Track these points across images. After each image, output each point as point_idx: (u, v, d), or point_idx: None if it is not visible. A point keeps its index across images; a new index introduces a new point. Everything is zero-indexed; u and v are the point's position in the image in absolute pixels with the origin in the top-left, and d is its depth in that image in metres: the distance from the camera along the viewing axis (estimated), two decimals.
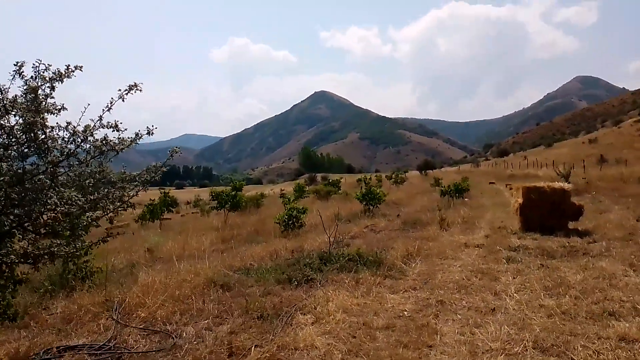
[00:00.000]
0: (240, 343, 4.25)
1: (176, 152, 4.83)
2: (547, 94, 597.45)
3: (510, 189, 26.06)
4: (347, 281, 6.25)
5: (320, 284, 6.26)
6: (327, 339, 4.34)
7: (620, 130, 70.00)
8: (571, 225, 10.21)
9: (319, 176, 78.18)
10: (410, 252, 8.10)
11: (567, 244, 8.36)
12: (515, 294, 5.43)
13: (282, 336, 4.45)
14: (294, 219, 11.70)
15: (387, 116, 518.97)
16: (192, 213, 29.34)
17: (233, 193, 16.65)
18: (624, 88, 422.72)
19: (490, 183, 35.74)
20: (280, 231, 11.78)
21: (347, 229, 12.12)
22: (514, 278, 6.26)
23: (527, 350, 3.77)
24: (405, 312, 5.05)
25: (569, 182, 17.83)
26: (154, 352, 4.20)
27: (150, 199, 22.11)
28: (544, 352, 3.73)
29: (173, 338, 4.50)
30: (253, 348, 4.15)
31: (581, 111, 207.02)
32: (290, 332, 4.58)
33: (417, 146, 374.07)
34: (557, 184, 10.27)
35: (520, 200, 10.24)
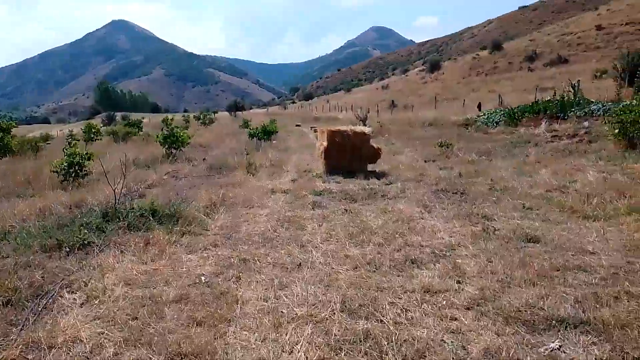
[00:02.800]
0: None
1: None
2: (347, 41, 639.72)
3: (315, 131, 27.10)
4: (134, 243, 5.24)
5: (99, 248, 5.13)
6: (99, 325, 3.40)
7: (408, 78, 78.49)
8: (370, 167, 10.66)
9: (118, 115, 71.15)
10: (214, 202, 7.36)
11: (367, 187, 8.58)
12: (321, 244, 5.16)
13: (34, 329, 3.35)
14: (77, 167, 9.86)
15: (195, 53, 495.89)
16: None
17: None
18: (411, 40, 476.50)
19: (296, 125, 36.80)
20: (60, 182, 9.86)
21: (145, 176, 10.78)
22: (319, 226, 6.03)
23: (334, 313, 3.43)
24: (203, 277, 4.34)
25: (367, 125, 19.03)
26: None
27: None
28: (352, 314, 3.42)
29: None
30: None
31: (375, 59, 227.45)
32: (48, 321, 3.50)
33: (227, 86, 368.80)
34: (359, 128, 10.54)
35: (325, 143, 10.23)
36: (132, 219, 6.04)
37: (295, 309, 3.56)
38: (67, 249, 5.12)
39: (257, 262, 4.69)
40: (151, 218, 6.17)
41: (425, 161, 11.84)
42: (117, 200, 6.53)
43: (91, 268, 4.56)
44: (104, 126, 44.02)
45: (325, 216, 6.55)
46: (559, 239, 4.98)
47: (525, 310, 3.36)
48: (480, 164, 10.70)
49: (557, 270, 4.10)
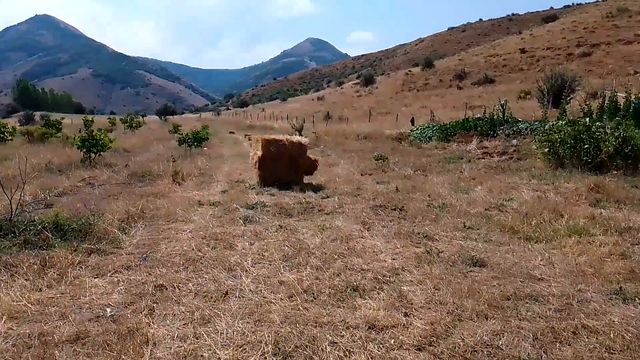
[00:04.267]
0: None
1: None
2: (284, 51, 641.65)
3: (250, 139, 26.36)
4: (29, 264, 4.40)
5: None
6: None
7: (343, 91, 79.41)
8: (306, 179, 10.20)
9: (37, 115, 66.15)
10: (131, 215, 6.56)
11: (303, 200, 8.09)
12: (252, 268, 4.58)
13: None
14: None
15: (125, 54, 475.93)
16: None
17: None
18: (346, 54, 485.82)
19: (230, 132, 35.85)
20: None
21: (56, 182, 9.66)
22: (251, 244, 5.44)
23: (266, 358, 2.86)
24: (108, 309, 3.63)
25: (303, 135, 18.62)
26: None
27: None
28: (286, 359, 2.88)
29: None
30: None
31: (311, 71, 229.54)
32: None
33: (158, 89, 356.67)
34: (296, 138, 10.05)
35: (259, 153, 9.65)
36: (31, 235, 5.15)
37: (218, 351, 2.96)
38: None
39: (176, 290, 4.03)
40: (54, 233, 5.31)
41: (361, 174, 11.56)
42: (13, 212, 5.59)
43: None
44: (20, 125, 40.65)
45: (258, 233, 5.97)
46: (505, 263, 4.73)
47: (482, 350, 2.98)
48: (416, 179, 10.55)
49: (508, 300, 3.79)
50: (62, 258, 4.62)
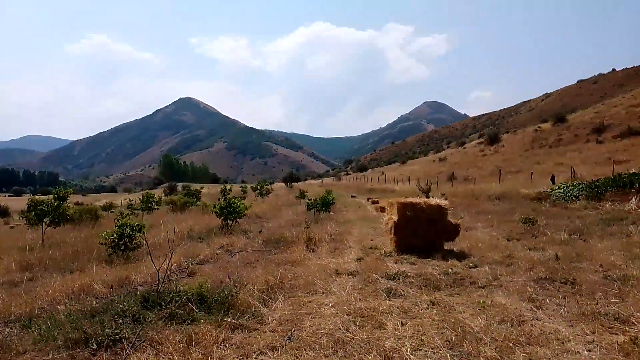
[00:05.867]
0: None
1: None
2: (401, 115, 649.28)
3: (374, 203, 26.00)
4: (174, 342, 4.20)
5: (131, 347, 4.12)
6: None
7: (465, 150, 76.86)
8: (446, 246, 9.35)
9: (180, 185, 73.36)
10: (271, 285, 6.30)
11: (449, 270, 7.27)
12: (413, 357, 3.90)
13: None
14: (127, 239, 9.19)
15: (255, 127, 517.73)
16: (14, 226, 24.42)
17: (55, 203, 13.30)
18: (465, 114, 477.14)
19: (352, 196, 35.98)
20: (108, 254, 9.18)
21: (197, 249, 9.97)
22: (403, 324, 4.78)
23: None
24: None
25: (431, 197, 17.76)
26: None
27: None
28: None
29: None
30: None
31: (430, 133, 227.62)
32: None
33: (283, 158, 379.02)
34: (434, 201, 9.34)
35: (394, 217, 9.09)
36: (176, 307, 5.06)
37: None
38: (94, 346, 4.15)
39: None
40: (199, 306, 5.17)
41: (507, 239, 10.36)
42: (160, 283, 5.61)
43: None
44: (165, 195, 45.07)
45: (407, 310, 5.30)
46: None
47: None
48: (576, 245, 9.12)
49: None
50: (207, 335, 4.38)
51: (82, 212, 17.15)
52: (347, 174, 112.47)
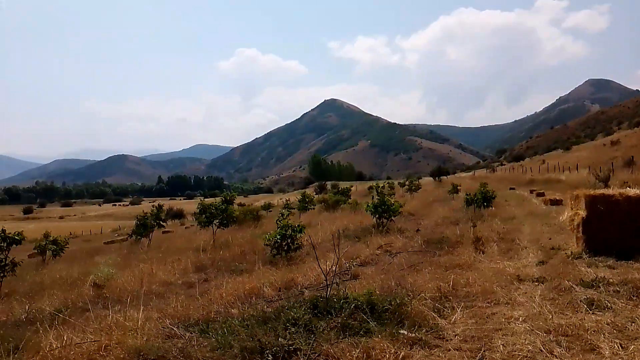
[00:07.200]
0: None
1: None
2: (559, 97, 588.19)
3: (539, 195, 23.48)
4: (351, 356, 3.84)
5: None
6: None
7: None
8: None
9: (328, 184, 75.73)
10: (444, 292, 5.68)
11: None
12: None
13: None
14: (289, 240, 9.31)
15: (397, 123, 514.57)
16: (188, 227, 27.24)
17: (223, 206, 14.26)
18: (637, 90, 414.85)
19: (510, 189, 33.15)
20: (272, 255, 9.40)
21: (356, 250, 9.73)
22: (623, 348, 3.82)
23: None
24: None
25: (610, 186, 15.29)
26: None
27: (144, 212, 20.09)
28: None
29: None
30: None
31: (595, 114, 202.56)
32: None
33: (428, 152, 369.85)
34: (632, 191, 7.76)
35: (582, 213, 7.75)
36: (346, 315, 4.74)
37: None
38: (270, 357, 3.99)
39: None
40: (369, 315, 4.79)
41: None
42: (329, 289, 5.36)
43: None
44: (316, 194, 46.80)
45: (621, 327, 4.28)
46: None
47: None
48: None
49: None
50: (384, 349, 3.94)
51: (246, 212, 18.31)
52: (501, 165, 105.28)
